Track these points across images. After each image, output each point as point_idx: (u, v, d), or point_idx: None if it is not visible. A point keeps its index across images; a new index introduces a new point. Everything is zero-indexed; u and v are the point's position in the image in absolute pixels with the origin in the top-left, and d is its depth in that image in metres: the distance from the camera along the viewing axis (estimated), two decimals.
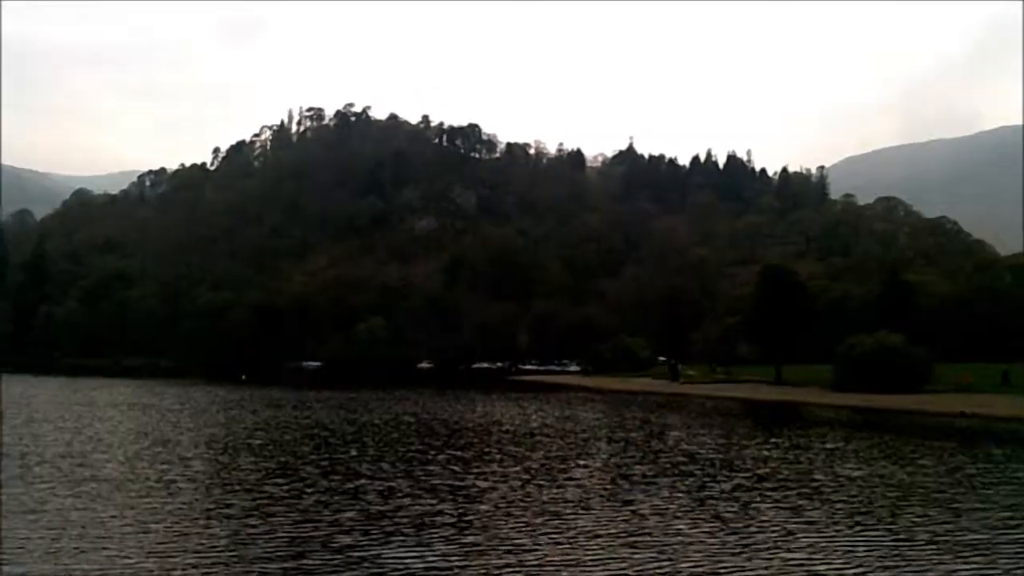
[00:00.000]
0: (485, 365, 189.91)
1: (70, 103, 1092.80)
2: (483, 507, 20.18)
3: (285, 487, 22.91)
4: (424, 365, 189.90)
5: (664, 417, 50.61)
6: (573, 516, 19.29)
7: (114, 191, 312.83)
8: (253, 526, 17.89)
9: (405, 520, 18.56)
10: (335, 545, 16.32)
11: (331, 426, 42.17)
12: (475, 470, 26.72)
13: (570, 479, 24.89)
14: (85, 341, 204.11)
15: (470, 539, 16.92)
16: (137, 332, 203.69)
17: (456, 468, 27.12)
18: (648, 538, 17.10)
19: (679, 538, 17.15)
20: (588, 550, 16.07)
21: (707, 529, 17.97)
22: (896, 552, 16.14)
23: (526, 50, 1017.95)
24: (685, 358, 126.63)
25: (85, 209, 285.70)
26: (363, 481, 24.01)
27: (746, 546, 16.52)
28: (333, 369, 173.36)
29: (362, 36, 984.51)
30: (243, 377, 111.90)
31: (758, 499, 21.77)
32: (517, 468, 27.03)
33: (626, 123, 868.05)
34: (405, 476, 25.17)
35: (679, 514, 19.59)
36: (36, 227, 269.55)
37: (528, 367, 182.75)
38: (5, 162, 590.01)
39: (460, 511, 19.66)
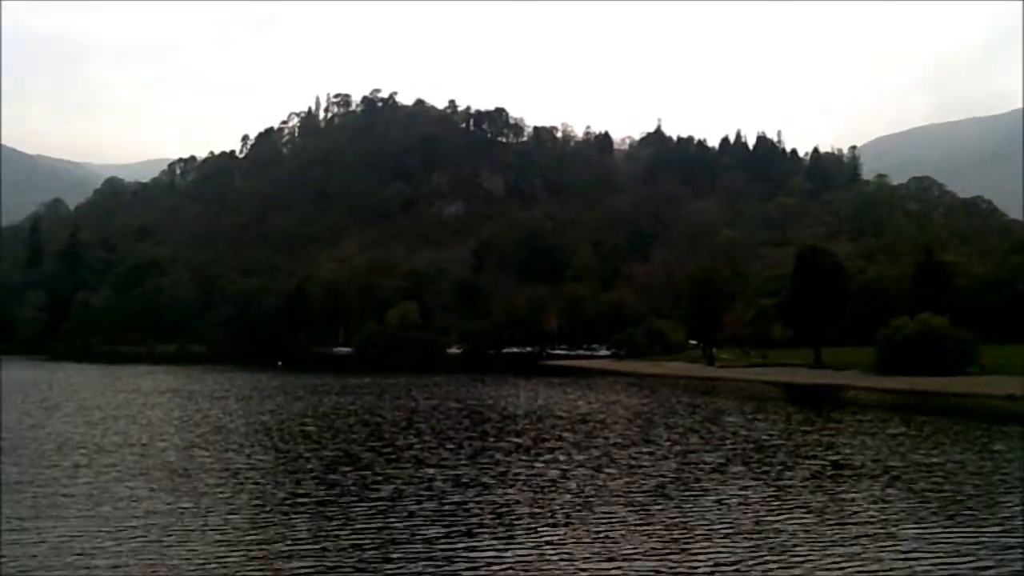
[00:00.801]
0: (515, 350, 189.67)
1: (102, 95, 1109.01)
2: (561, 497, 19.72)
3: (353, 476, 22.64)
4: (454, 350, 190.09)
5: (712, 402, 49.95)
6: (656, 507, 18.79)
7: (145, 180, 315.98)
8: (332, 518, 17.56)
9: (485, 512, 18.17)
10: (421, 537, 15.95)
11: (380, 412, 42.00)
12: (540, 458, 26.29)
13: (638, 467, 24.40)
14: (119, 328, 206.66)
15: (557, 531, 16.48)
16: (169, 319, 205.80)
17: (520, 456, 26.74)
18: (745, 529, 16.55)
19: (776, 529, 16.59)
20: (684, 543, 15.57)
21: (802, 521, 17.33)
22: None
23: (552, 33, 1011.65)
24: (716, 341, 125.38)
25: (117, 198, 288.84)
26: (430, 470, 23.68)
27: (855, 538, 15.86)
28: (364, 355, 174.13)
29: (388, 22, 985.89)
30: (279, 363, 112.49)
31: (842, 488, 21.14)
32: (582, 456, 26.58)
33: (653, 105, 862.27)
34: (470, 464, 24.84)
35: (766, 504, 19.00)
36: (70, 216, 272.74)
37: (558, 351, 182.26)
38: (40, 152, 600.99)
39: (538, 502, 19.23)
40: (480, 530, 16.57)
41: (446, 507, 18.58)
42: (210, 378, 76.96)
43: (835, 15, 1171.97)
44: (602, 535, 16.19)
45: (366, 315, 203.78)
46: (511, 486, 21.22)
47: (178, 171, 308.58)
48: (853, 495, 20.12)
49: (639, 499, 19.49)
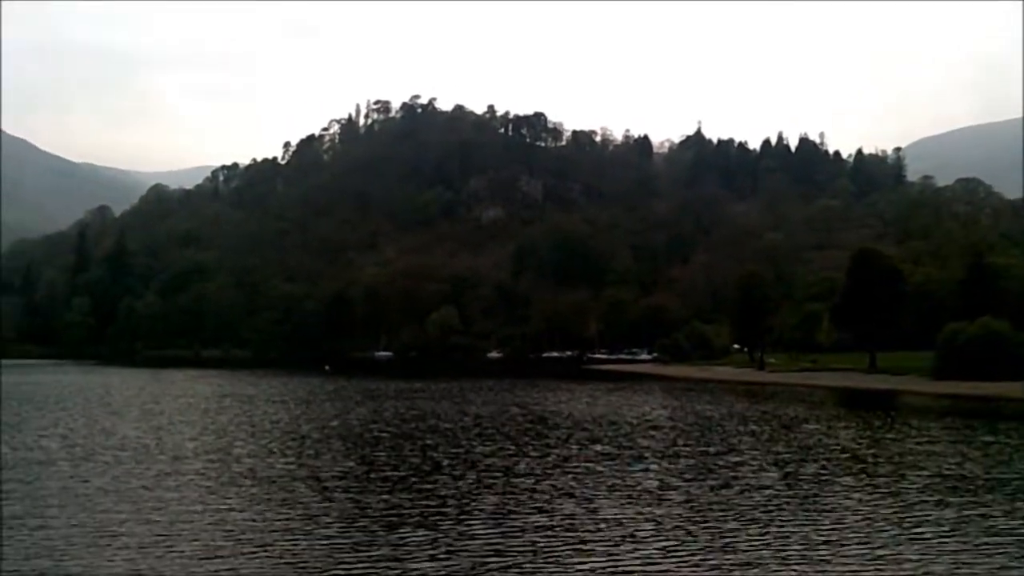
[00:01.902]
0: (555, 354, 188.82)
1: (145, 103, 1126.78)
2: (673, 510, 19.01)
3: (449, 486, 22.09)
4: (494, 355, 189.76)
5: (779, 408, 48.77)
6: (783, 521, 17.90)
7: (189, 186, 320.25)
8: (446, 532, 16.89)
9: (602, 527, 17.36)
10: (549, 555, 15.23)
11: (446, 418, 41.54)
12: (629, 467, 25.49)
13: (740, 477, 23.59)
14: (164, 333, 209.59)
15: (687, 548, 15.76)
16: (213, 324, 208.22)
17: (607, 464, 25.98)
18: (888, 548, 15.67)
19: (921, 547, 15.74)
20: (832, 565, 14.73)
21: (948, 542, 16.22)
22: None
23: (591, 37, 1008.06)
24: (762, 346, 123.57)
25: (162, 204, 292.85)
26: (523, 480, 23.04)
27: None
28: (405, 360, 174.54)
29: (427, 28, 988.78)
30: (326, 368, 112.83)
31: (966, 501, 20.14)
32: (672, 464, 25.84)
33: (693, 108, 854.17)
34: (560, 473, 24.12)
35: (897, 519, 18.08)
36: (116, 223, 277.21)
37: (598, 356, 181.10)
38: (85, 160, 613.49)
39: (650, 515, 18.48)
40: (606, 546, 15.87)
41: (556, 520, 17.92)
42: (263, 383, 77.21)
43: (877, 15, 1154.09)
44: (742, 552, 15.40)
45: (406, 320, 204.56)
46: (615, 497, 20.53)
47: (221, 178, 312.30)
48: (983, 510, 19.13)
49: (759, 514, 18.65)
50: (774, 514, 18.59)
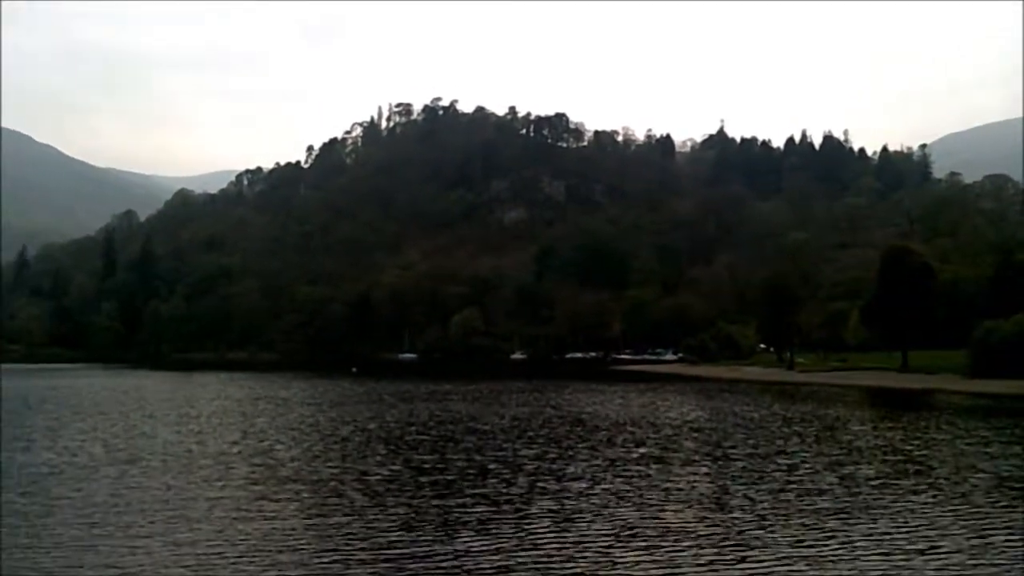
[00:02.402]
0: (578, 355, 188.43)
1: (169, 108, 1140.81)
2: (736, 516, 18.50)
3: (500, 490, 21.73)
4: (517, 356, 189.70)
5: (819, 409, 48.06)
6: (857, 528, 17.25)
7: (213, 191, 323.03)
8: (509, 537, 16.49)
9: (670, 534, 16.87)
10: (626, 565, 14.80)
11: (483, 420, 41.25)
12: (679, 470, 25.12)
13: (796, 481, 23.03)
14: (190, 336, 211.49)
15: (766, 552, 15.38)
16: (239, 327, 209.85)
17: (655, 467, 25.60)
18: (964, 554, 15.18)
19: (996, 554, 15.21)
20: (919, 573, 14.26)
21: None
22: None
23: (612, 37, 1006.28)
24: (788, 346, 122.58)
25: (187, 209, 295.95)
26: (578, 483, 22.63)
27: None
28: (428, 361, 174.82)
29: (448, 30, 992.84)
30: (353, 370, 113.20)
31: None
32: (723, 467, 25.39)
33: (715, 106, 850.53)
34: (611, 476, 23.74)
35: (965, 526, 17.46)
36: (141, 228, 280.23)
37: (623, 356, 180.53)
38: (110, 165, 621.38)
39: (715, 521, 18.02)
40: (675, 554, 15.40)
41: (619, 526, 17.50)
42: (293, 385, 77.45)
43: (901, 11, 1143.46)
44: (819, 560, 14.89)
45: (430, 322, 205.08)
46: (672, 502, 20.11)
47: (245, 182, 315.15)
48: None
49: (827, 520, 18.05)
50: (843, 520, 18.04)
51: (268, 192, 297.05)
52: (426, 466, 25.98)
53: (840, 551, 15.46)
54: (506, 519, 18.26)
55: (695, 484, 22.47)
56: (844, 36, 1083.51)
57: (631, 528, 17.34)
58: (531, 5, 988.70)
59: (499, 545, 16.02)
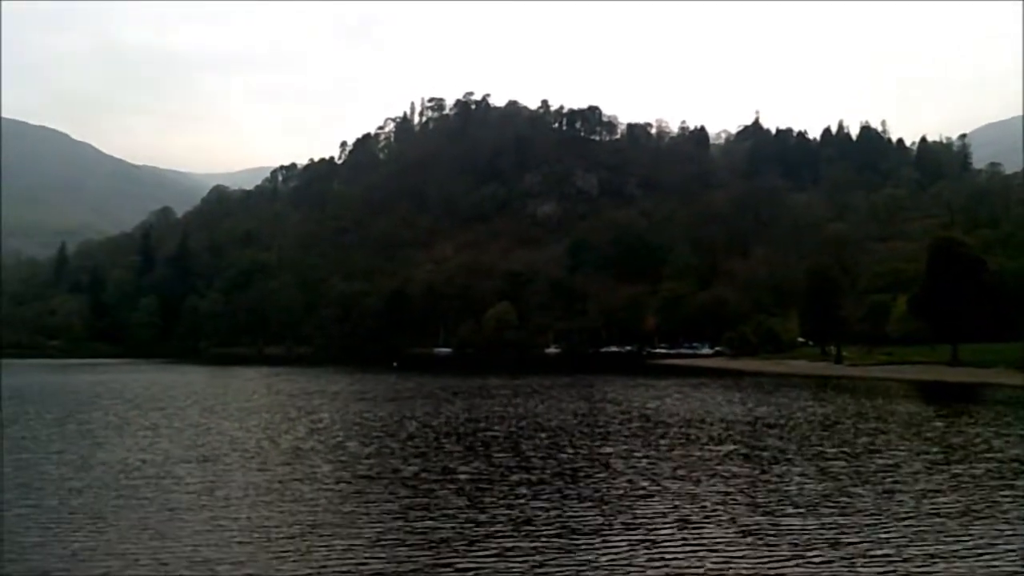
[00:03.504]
0: (613, 349, 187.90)
1: (205, 106, 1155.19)
2: (866, 522, 17.83)
3: (602, 492, 21.03)
4: (552, 350, 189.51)
5: (888, 403, 47.31)
6: (984, 532, 16.74)
7: (249, 187, 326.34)
8: (639, 547, 15.76)
9: (802, 540, 16.24)
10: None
11: (545, 415, 40.77)
12: (778, 470, 24.37)
13: (899, 482, 22.38)
14: (227, 331, 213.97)
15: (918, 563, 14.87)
16: (275, 321, 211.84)
17: (747, 466, 25.03)
18: None
19: None
20: None
21: None
22: None
23: (644, 29, 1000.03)
24: (832, 339, 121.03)
25: (223, 205, 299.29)
26: (676, 483, 22.07)
27: None
28: (463, 356, 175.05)
29: (479, 25, 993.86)
30: (394, 364, 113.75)
31: None
32: (830, 469, 24.55)
33: (750, 97, 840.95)
34: (708, 476, 23.17)
35: None
36: (178, 224, 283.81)
37: (659, 350, 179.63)
38: (146, 163, 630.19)
39: (849, 526, 17.36)
40: (821, 566, 14.82)
41: (739, 532, 16.93)
42: (341, 379, 77.78)
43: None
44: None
45: (464, 316, 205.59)
46: (785, 506, 19.32)
47: (280, 178, 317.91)
48: None
49: (959, 526, 17.36)
50: (979, 526, 17.47)
51: (303, 188, 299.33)
52: (511, 465, 25.62)
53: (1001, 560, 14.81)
54: (623, 524, 17.71)
55: (802, 485, 21.83)
56: (880, 26, 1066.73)
57: (758, 537, 16.69)
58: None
59: (630, 553, 15.45)
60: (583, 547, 15.85)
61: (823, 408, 44.99)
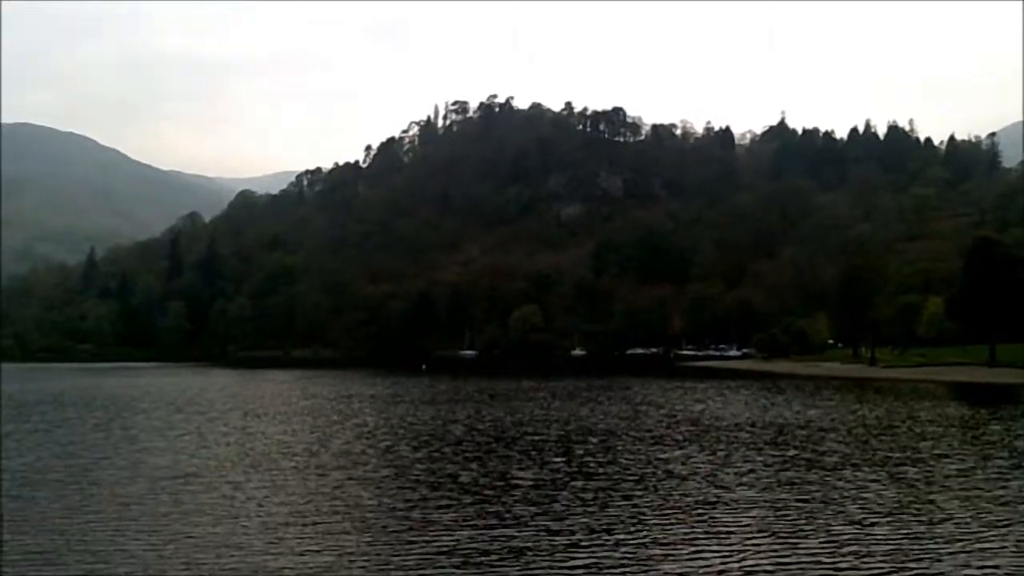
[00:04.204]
0: (639, 351, 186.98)
1: (230, 111, 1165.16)
2: (958, 530, 17.20)
3: (681, 502, 20.27)
4: (578, 352, 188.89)
5: (938, 406, 46.53)
6: None
7: (274, 191, 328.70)
8: (732, 561, 15.11)
9: (903, 549, 15.67)
10: None
11: (590, 419, 40.19)
12: (850, 476, 23.63)
13: (979, 489, 21.64)
14: (255, 334, 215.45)
15: None
16: (302, 325, 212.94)
17: (824, 474, 24.10)
18: None
19: None
20: None
21: None
22: None
23: (668, 30, 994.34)
24: (866, 341, 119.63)
25: (249, 210, 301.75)
26: (747, 491, 21.36)
27: None
28: (489, 358, 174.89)
29: (502, 28, 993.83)
30: (423, 367, 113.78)
31: None
32: (902, 475, 23.88)
33: (776, 97, 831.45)
34: (777, 483, 22.47)
35: None
36: (205, 228, 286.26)
37: (685, 352, 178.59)
38: (173, 168, 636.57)
39: (936, 533, 16.85)
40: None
41: (835, 542, 16.27)
42: (375, 383, 77.77)
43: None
44: None
45: (489, 318, 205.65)
46: (880, 515, 18.58)
47: (305, 182, 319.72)
48: None
49: None
50: None
51: (328, 192, 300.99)
52: (569, 471, 25.09)
53: None
54: (706, 534, 17.05)
55: (880, 492, 21.17)
56: (907, 24, 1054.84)
57: (847, 543, 16.15)
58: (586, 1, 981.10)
59: (722, 565, 14.75)
60: (673, 558, 15.31)
61: (873, 411, 44.18)
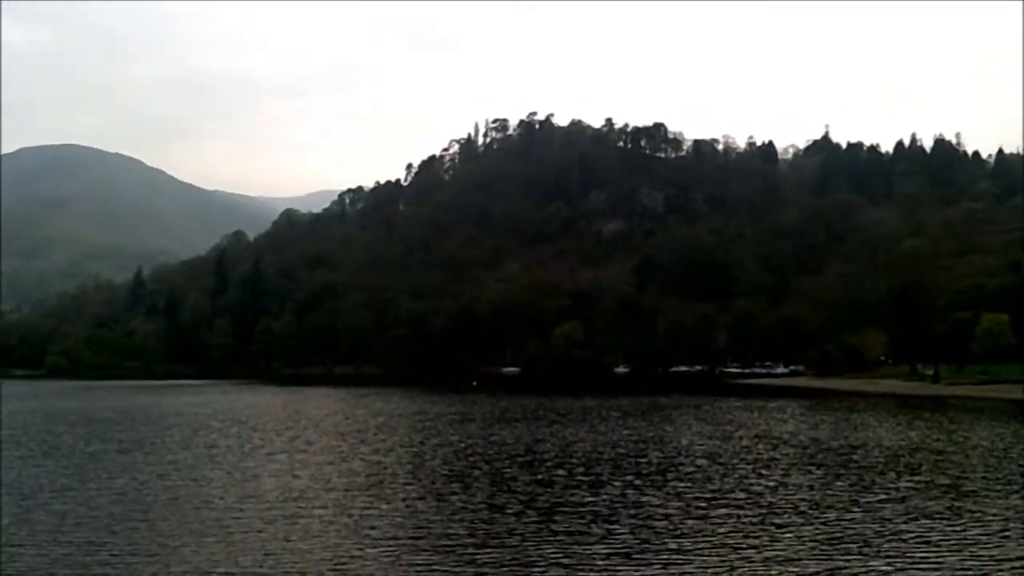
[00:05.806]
0: (683, 368, 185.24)
1: (273, 131, 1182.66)
2: None
3: (827, 535, 19.65)
4: (621, 370, 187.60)
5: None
6: None
7: (316, 210, 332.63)
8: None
9: None
10: None
11: (666, 440, 39.88)
12: (1010, 503, 23.17)
13: None
14: (299, 351, 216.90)
15: None
16: (345, 342, 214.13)
17: (980, 501, 23.44)
18: None
19: None
20: None
21: None
22: None
23: (709, 44, 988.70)
24: (927, 358, 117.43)
25: (293, 228, 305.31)
26: (900, 523, 20.73)
27: None
28: (531, 375, 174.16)
29: (542, 44, 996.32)
30: (474, 383, 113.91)
31: None
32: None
33: (819, 111, 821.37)
34: (906, 514, 21.83)
35: None
36: (251, 247, 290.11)
37: (731, 369, 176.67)
38: (217, 188, 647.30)
39: None
40: None
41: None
42: (433, 400, 77.95)
43: (1006, 10, 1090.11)
44: None
45: (530, 335, 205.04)
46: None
47: (347, 201, 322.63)
48: None
49: None
50: None
51: (370, 210, 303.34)
52: (703, 495, 24.63)
53: None
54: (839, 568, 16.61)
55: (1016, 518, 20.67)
56: (952, 36, 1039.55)
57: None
58: (626, 15, 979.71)
59: None
60: None
61: (969, 434, 43.00)
